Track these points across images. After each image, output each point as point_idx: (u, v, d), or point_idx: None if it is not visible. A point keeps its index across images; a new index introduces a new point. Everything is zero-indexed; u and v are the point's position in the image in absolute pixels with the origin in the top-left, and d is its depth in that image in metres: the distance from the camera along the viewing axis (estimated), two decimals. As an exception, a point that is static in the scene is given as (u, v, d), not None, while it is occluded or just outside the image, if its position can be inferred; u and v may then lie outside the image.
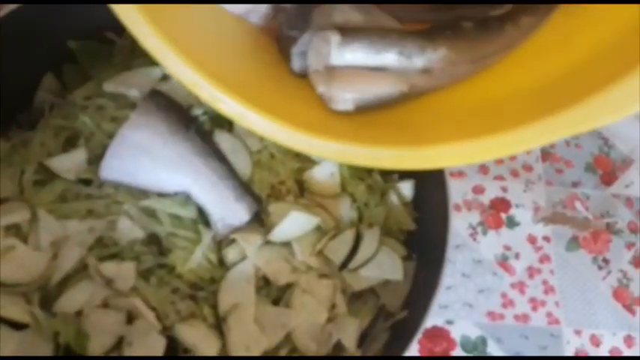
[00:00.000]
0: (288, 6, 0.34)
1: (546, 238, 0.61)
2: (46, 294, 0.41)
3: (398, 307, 0.44)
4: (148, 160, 0.43)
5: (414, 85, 0.30)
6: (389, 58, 0.30)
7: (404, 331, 0.41)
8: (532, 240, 0.61)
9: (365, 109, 0.31)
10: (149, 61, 0.47)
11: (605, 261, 0.61)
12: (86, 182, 0.43)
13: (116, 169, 0.42)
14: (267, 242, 0.44)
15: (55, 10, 0.45)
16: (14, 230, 0.41)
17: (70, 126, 0.45)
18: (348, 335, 0.42)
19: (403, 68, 0.30)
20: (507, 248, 0.60)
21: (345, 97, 0.30)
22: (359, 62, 0.30)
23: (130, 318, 0.41)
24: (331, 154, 0.30)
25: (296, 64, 0.34)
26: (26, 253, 0.40)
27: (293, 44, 0.33)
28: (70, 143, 0.45)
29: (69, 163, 0.43)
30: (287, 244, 0.44)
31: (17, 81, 0.47)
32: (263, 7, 0.35)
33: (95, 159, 0.43)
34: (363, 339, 0.43)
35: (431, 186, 0.45)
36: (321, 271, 0.44)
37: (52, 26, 0.47)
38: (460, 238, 0.61)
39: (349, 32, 0.30)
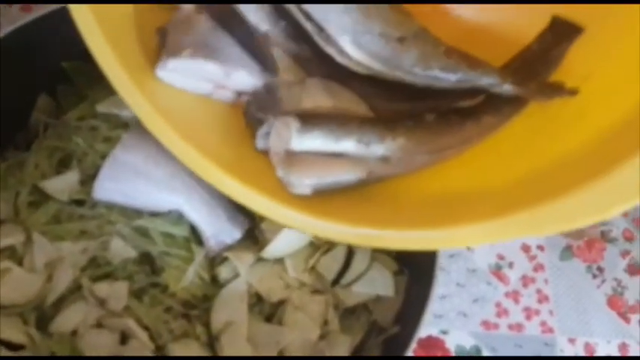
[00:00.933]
0: (257, 87, 0.35)
1: (540, 247, 0.61)
2: (42, 314, 0.41)
3: (390, 322, 0.44)
4: (140, 180, 0.43)
5: (372, 172, 0.31)
6: (348, 145, 0.30)
7: (396, 345, 0.42)
8: (526, 249, 0.61)
9: (323, 194, 0.32)
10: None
11: (600, 269, 0.61)
12: (79, 203, 0.44)
13: (109, 190, 0.43)
14: (260, 259, 0.44)
15: (50, 31, 0.46)
16: (9, 252, 0.42)
17: (63, 147, 0.45)
18: (341, 352, 0.42)
19: (362, 155, 0.30)
20: (501, 257, 0.61)
21: (303, 183, 0.31)
22: (318, 148, 0.30)
23: (124, 338, 0.41)
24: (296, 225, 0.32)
25: (260, 143, 0.35)
26: (21, 274, 0.41)
27: (259, 126, 0.34)
28: (63, 164, 0.45)
29: (62, 185, 0.43)
30: (280, 261, 0.45)
31: (13, 102, 0.48)
32: (228, 92, 0.37)
33: (88, 179, 0.44)
34: (356, 355, 0.44)
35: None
36: (313, 287, 0.45)
37: (47, 47, 0.47)
38: (454, 248, 0.61)
39: (310, 119, 0.30)
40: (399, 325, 0.43)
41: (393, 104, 0.34)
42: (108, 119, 0.46)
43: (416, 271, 0.46)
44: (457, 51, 0.33)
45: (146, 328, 0.41)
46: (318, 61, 0.34)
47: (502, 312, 0.58)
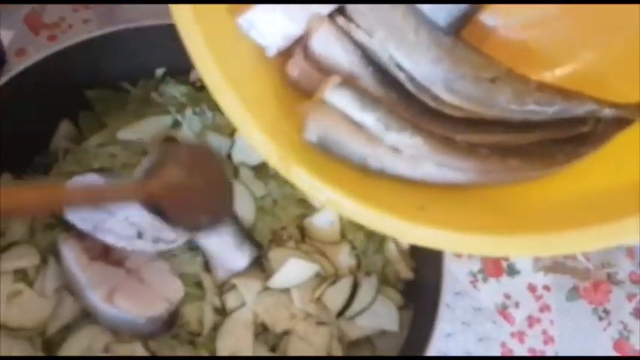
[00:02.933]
0: None
1: (546, 288, 0.61)
2: (49, 338, 0.42)
3: (394, 356, 0.44)
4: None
5: (377, 157, 0.32)
6: (368, 118, 0.31)
7: (399, 381, 0.42)
8: (532, 289, 0.61)
9: (325, 153, 0.32)
10: (161, 110, 0.50)
11: (606, 312, 0.61)
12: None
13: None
14: (267, 288, 0.45)
15: (73, 60, 0.48)
16: (22, 275, 0.43)
17: (82, 172, 0.47)
18: (343, 385, 0.42)
19: (377, 135, 0.31)
20: (507, 297, 0.61)
21: (313, 128, 0.31)
22: (343, 108, 0.31)
23: (130, 363, 0.42)
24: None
25: (293, 70, 0.34)
26: (33, 298, 0.42)
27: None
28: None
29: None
30: (286, 290, 0.45)
31: (36, 126, 0.50)
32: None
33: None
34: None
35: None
36: (318, 318, 0.45)
37: (71, 76, 0.49)
38: (460, 286, 0.61)
39: (349, 84, 0.32)
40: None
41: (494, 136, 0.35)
42: (128, 147, 0.48)
43: (421, 305, 0.46)
44: (549, 85, 0.34)
45: (153, 354, 0.42)
46: (405, 106, 0.35)
47: (507, 352, 0.58)
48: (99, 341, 0.41)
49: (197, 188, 0.38)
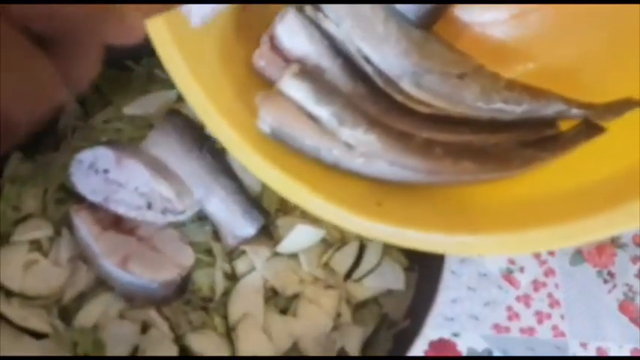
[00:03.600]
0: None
1: (550, 253, 0.62)
2: (65, 306, 0.43)
3: (401, 316, 0.45)
4: (162, 177, 0.45)
5: (331, 152, 0.32)
6: (323, 112, 0.31)
7: (406, 339, 0.43)
8: (536, 254, 0.62)
9: (280, 142, 0.33)
10: (165, 85, 0.51)
11: (611, 274, 0.61)
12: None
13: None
14: (276, 254, 0.46)
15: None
16: (36, 245, 0.44)
17: (89, 147, 0.48)
18: (352, 343, 0.43)
19: (331, 130, 0.31)
20: (512, 262, 0.62)
21: (267, 119, 0.31)
22: (299, 100, 0.31)
23: (145, 327, 0.43)
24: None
25: (258, 61, 0.34)
26: (48, 267, 0.43)
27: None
28: (89, 164, 0.48)
29: (88, 182, 0.46)
30: (294, 256, 0.46)
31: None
32: None
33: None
34: (367, 346, 0.45)
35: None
36: (326, 282, 0.46)
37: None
38: (465, 253, 0.62)
39: (309, 73, 0.31)
40: (410, 319, 0.45)
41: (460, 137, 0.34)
42: (133, 121, 0.49)
43: (426, 267, 0.47)
44: (518, 83, 0.33)
45: (166, 319, 0.43)
46: (373, 99, 0.35)
47: (513, 315, 0.59)
48: (113, 308, 0.43)
49: None
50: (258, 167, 0.33)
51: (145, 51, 0.53)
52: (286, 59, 0.34)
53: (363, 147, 0.31)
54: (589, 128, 0.33)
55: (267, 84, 0.35)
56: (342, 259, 0.46)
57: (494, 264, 0.61)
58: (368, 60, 0.33)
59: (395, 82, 0.33)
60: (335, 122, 0.31)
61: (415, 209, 0.34)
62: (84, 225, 0.42)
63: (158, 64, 0.52)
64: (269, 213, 0.47)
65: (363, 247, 0.47)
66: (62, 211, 0.45)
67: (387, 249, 0.47)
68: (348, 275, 0.46)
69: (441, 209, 0.34)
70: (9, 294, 0.42)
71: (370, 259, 0.46)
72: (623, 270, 0.62)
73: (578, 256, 0.62)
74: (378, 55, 0.33)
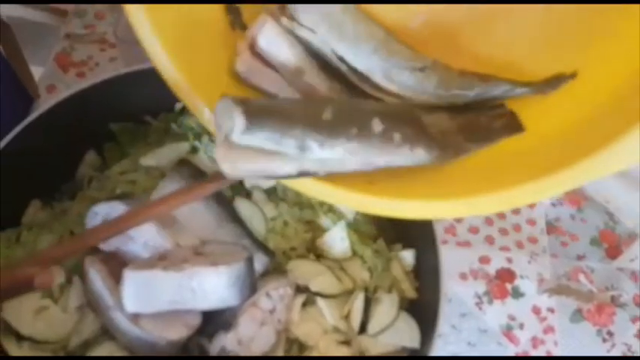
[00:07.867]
0: None
1: (550, 310, 0.63)
2: (70, 352, 0.45)
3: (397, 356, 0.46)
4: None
5: (306, 170, 0.32)
6: (287, 149, 0.31)
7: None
8: (536, 311, 0.63)
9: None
10: (179, 137, 0.54)
11: (610, 333, 0.62)
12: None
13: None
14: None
15: (100, 96, 0.53)
16: (48, 291, 0.46)
17: (104, 198, 0.51)
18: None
19: (298, 157, 0.32)
20: (512, 318, 0.62)
21: (236, 170, 0.31)
22: (257, 146, 0.31)
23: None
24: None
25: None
26: (57, 313, 0.45)
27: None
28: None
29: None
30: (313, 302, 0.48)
31: (64, 156, 0.54)
32: None
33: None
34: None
35: (430, 256, 0.49)
36: (346, 336, 0.47)
37: (97, 110, 0.54)
38: (466, 307, 0.63)
39: (256, 117, 0.30)
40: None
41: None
42: (148, 172, 0.51)
43: (424, 324, 0.48)
44: (468, 71, 0.38)
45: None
46: (348, 95, 0.38)
47: (512, 373, 0.59)
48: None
49: None
50: None
51: (163, 107, 0.57)
52: (268, 64, 0.37)
53: (333, 159, 0.33)
54: (512, 125, 0.36)
55: (251, 89, 0.37)
56: (354, 312, 0.47)
57: (495, 320, 0.62)
58: (342, 60, 0.36)
59: (367, 77, 0.37)
60: (298, 152, 0.31)
61: (403, 183, 0.36)
62: (98, 276, 0.44)
63: (174, 120, 0.56)
64: (273, 253, 0.49)
65: (368, 299, 0.48)
66: (75, 259, 0.47)
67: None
68: (362, 329, 0.47)
69: (423, 179, 0.36)
70: (20, 338, 0.44)
71: (386, 313, 0.47)
72: (622, 329, 0.62)
73: (578, 314, 0.63)
74: (352, 54, 0.36)
